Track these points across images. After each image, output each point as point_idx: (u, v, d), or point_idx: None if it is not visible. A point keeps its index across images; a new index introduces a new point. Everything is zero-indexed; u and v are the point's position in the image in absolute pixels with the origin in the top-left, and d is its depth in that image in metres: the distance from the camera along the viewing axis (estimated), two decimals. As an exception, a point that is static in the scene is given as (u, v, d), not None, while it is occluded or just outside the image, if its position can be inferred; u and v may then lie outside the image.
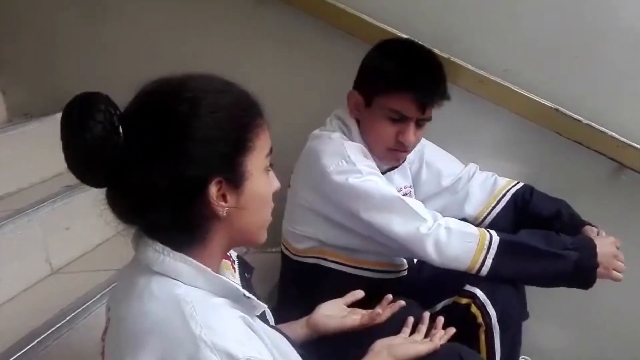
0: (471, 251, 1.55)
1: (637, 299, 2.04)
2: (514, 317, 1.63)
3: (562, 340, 2.15)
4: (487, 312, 1.57)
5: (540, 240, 1.58)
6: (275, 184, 1.09)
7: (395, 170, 1.86)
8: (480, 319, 1.57)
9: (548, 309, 2.07)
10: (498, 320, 1.57)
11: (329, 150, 1.65)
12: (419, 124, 1.68)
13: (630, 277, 1.99)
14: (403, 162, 1.80)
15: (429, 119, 1.69)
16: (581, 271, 1.58)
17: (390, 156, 1.73)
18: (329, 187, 1.62)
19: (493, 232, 1.58)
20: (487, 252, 1.55)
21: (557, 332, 2.15)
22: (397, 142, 1.67)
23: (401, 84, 1.63)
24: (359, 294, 1.47)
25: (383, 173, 1.75)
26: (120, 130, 0.94)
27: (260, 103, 1.05)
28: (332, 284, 1.70)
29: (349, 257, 1.73)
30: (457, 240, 1.56)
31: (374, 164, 1.68)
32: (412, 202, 1.62)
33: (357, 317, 1.40)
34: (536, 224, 1.78)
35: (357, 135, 1.72)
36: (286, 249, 1.83)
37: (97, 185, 0.98)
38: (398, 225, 1.57)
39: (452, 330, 1.41)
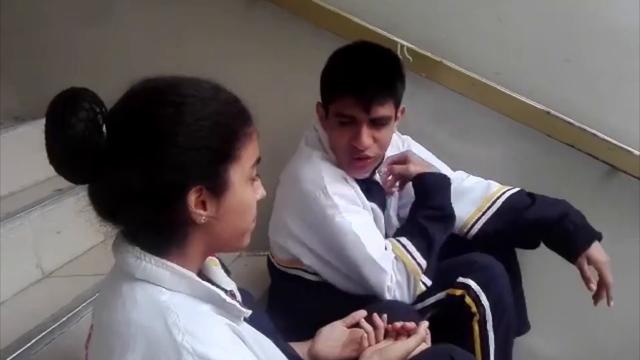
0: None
1: (634, 304, 2.04)
2: (507, 307, 1.64)
3: (561, 348, 2.15)
4: (481, 302, 1.59)
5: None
6: (260, 193, 1.07)
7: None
8: (474, 309, 1.59)
9: (547, 317, 2.08)
10: (491, 310, 1.59)
11: (307, 177, 1.65)
12: (375, 125, 1.63)
13: (626, 281, 2.01)
14: (370, 172, 1.75)
15: (385, 118, 1.63)
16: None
17: (351, 165, 1.69)
18: (306, 215, 1.65)
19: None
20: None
21: (556, 340, 2.14)
22: (353, 147, 1.64)
23: (342, 87, 1.62)
24: (359, 314, 1.45)
25: (365, 180, 1.75)
26: (104, 129, 0.93)
27: (249, 111, 1.04)
28: (316, 294, 1.72)
29: None
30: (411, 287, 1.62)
31: (352, 192, 1.67)
32: (373, 247, 1.62)
33: (355, 347, 1.39)
34: (542, 228, 1.76)
35: (329, 149, 1.72)
36: (272, 256, 1.84)
37: (76, 181, 0.97)
38: (365, 271, 1.60)
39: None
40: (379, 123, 1.63)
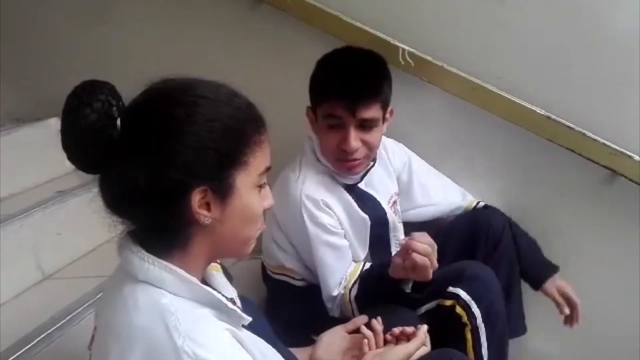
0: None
1: (633, 308, 2.03)
2: (499, 315, 1.65)
3: (560, 347, 2.14)
4: (472, 312, 1.59)
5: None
6: (268, 202, 1.08)
7: (386, 176, 1.88)
8: (465, 319, 1.59)
9: (546, 317, 2.07)
10: (483, 319, 1.59)
11: (290, 197, 1.68)
12: (363, 127, 1.65)
13: (625, 285, 2.01)
14: (362, 171, 1.75)
15: (373, 120, 1.65)
16: None
17: (341, 167, 1.70)
18: (287, 226, 1.73)
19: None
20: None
21: (556, 341, 2.13)
22: (341, 150, 1.65)
23: (328, 89, 1.64)
24: (360, 320, 1.46)
25: (360, 192, 1.77)
26: (118, 122, 0.94)
27: (264, 119, 1.04)
28: (304, 300, 1.74)
29: None
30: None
31: (328, 219, 1.68)
32: (333, 272, 1.68)
33: (356, 353, 1.39)
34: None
35: (320, 152, 1.73)
36: (264, 262, 1.86)
37: (86, 171, 0.98)
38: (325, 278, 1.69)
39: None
40: (366, 125, 1.65)
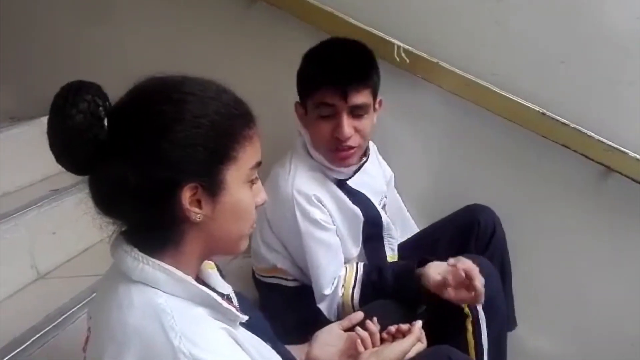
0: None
1: (627, 303, 2.04)
2: (499, 308, 1.65)
3: (560, 348, 2.15)
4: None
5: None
6: (261, 197, 1.07)
7: (378, 176, 1.89)
8: (466, 310, 1.59)
9: (541, 315, 2.08)
10: (484, 310, 1.59)
11: (281, 193, 1.67)
12: (354, 115, 1.65)
13: (620, 279, 2.02)
14: (355, 164, 1.76)
15: (364, 106, 1.65)
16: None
17: (335, 158, 1.70)
18: (277, 226, 1.73)
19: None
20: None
21: (555, 340, 2.14)
22: (335, 139, 1.66)
23: (318, 78, 1.64)
24: (355, 317, 1.44)
25: (357, 171, 1.77)
26: (105, 122, 0.93)
27: (253, 114, 1.03)
28: (298, 301, 1.73)
29: None
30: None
31: (320, 215, 1.67)
32: (325, 270, 1.67)
33: (353, 352, 1.36)
34: None
35: (311, 146, 1.72)
36: (254, 266, 1.85)
37: (74, 172, 0.97)
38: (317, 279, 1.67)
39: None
40: (358, 112, 1.65)
